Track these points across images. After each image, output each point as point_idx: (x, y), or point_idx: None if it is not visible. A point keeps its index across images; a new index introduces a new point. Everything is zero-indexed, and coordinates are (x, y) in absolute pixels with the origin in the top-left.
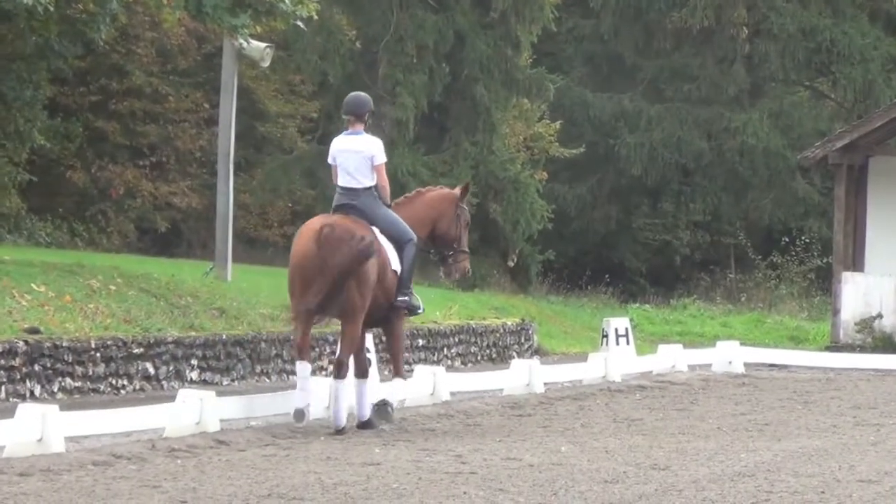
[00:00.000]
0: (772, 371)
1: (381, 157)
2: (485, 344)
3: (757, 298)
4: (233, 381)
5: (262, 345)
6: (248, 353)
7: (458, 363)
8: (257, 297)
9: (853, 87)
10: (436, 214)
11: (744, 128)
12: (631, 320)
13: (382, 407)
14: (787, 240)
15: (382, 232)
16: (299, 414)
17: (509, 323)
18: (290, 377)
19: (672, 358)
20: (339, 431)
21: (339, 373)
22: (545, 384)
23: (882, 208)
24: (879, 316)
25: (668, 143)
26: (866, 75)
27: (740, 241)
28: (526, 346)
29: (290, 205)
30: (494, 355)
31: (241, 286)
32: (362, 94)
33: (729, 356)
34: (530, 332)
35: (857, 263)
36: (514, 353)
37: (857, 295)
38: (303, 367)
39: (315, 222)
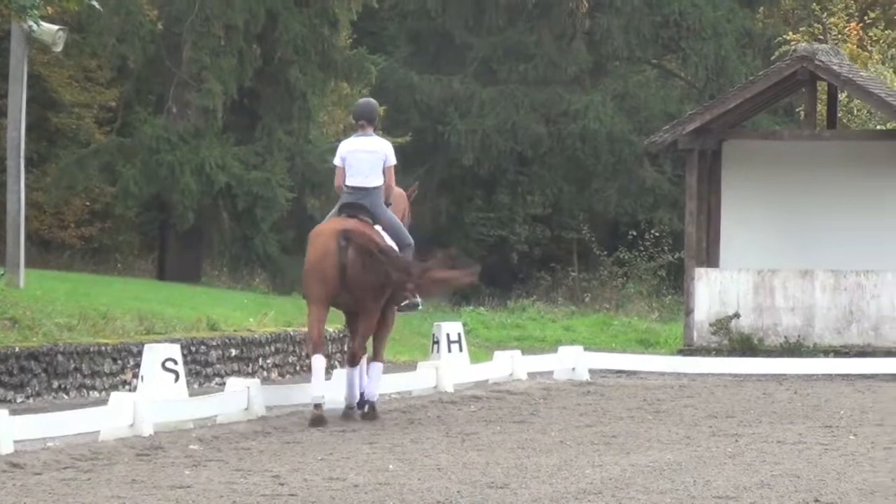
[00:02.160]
0: (619, 378)
1: (393, 159)
2: (304, 353)
3: (602, 298)
4: (27, 398)
5: (60, 358)
6: (43, 367)
7: (274, 374)
8: (53, 305)
9: (705, 65)
10: (401, 213)
11: (585, 111)
12: (464, 325)
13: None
14: (634, 233)
15: (387, 233)
16: (320, 402)
17: (330, 330)
18: (91, 393)
19: (510, 365)
20: (350, 408)
21: (353, 362)
22: None
23: (737, 197)
24: (737, 315)
25: (503, 129)
26: (719, 51)
27: (584, 236)
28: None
29: (87, 203)
30: None
31: (35, 293)
32: (372, 100)
33: (572, 362)
34: None
35: (711, 258)
36: (336, 363)
37: (711, 293)
38: (318, 361)
39: (333, 224)
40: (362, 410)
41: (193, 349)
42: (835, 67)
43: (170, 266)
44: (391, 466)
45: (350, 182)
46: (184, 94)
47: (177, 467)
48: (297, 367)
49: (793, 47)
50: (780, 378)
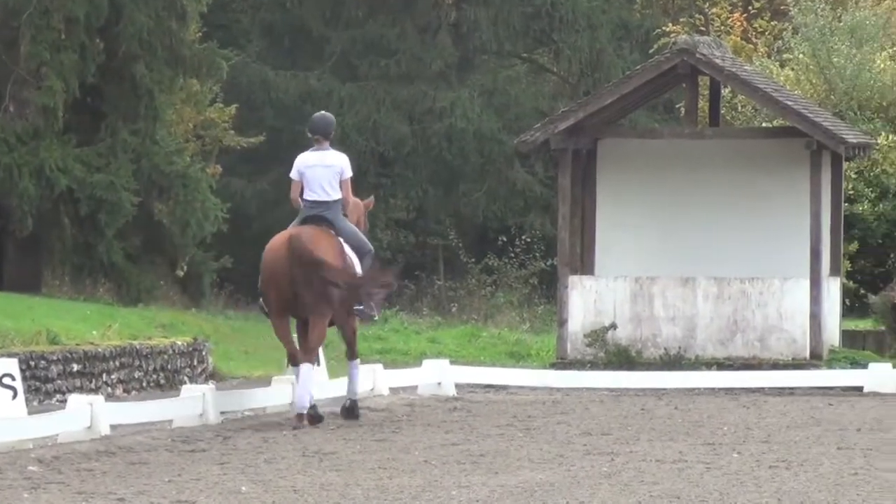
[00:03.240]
0: (488, 393)
1: (349, 172)
2: (151, 368)
3: (470, 308)
4: None
5: None
6: None
7: (119, 391)
8: None
9: (579, 59)
10: (355, 222)
11: (451, 108)
12: None
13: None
14: (504, 239)
15: (347, 242)
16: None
17: (179, 343)
18: None
19: (371, 380)
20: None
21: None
22: (222, 414)
23: (613, 200)
24: (613, 326)
25: (363, 128)
26: (594, 44)
27: (450, 242)
28: (199, 369)
29: None
30: (163, 381)
31: None
32: (328, 114)
33: (438, 376)
34: (204, 352)
35: (585, 265)
36: (186, 378)
37: (586, 302)
38: (303, 369)
39: (285, 234)
40: (343, 408)
41: (32, 364)
42: (717, 61)
43: (7, 275)
44: (244, 488)
45: (309, 196)
46: (22, 91)
47: (14, 490)
48: (144, 383)
49: (673, 40)
50: (659, 392)
